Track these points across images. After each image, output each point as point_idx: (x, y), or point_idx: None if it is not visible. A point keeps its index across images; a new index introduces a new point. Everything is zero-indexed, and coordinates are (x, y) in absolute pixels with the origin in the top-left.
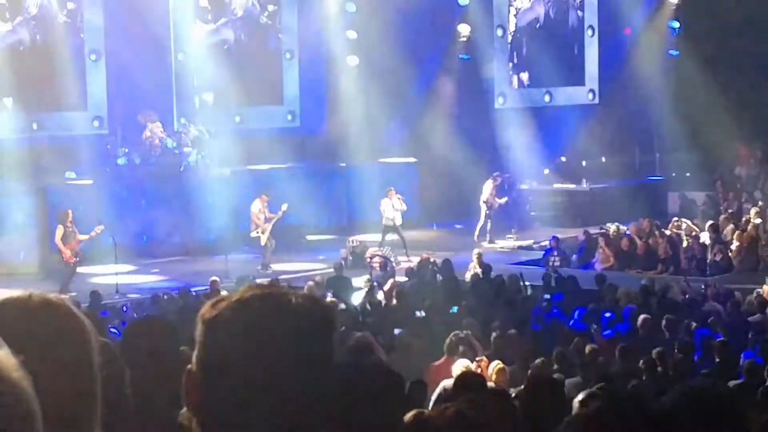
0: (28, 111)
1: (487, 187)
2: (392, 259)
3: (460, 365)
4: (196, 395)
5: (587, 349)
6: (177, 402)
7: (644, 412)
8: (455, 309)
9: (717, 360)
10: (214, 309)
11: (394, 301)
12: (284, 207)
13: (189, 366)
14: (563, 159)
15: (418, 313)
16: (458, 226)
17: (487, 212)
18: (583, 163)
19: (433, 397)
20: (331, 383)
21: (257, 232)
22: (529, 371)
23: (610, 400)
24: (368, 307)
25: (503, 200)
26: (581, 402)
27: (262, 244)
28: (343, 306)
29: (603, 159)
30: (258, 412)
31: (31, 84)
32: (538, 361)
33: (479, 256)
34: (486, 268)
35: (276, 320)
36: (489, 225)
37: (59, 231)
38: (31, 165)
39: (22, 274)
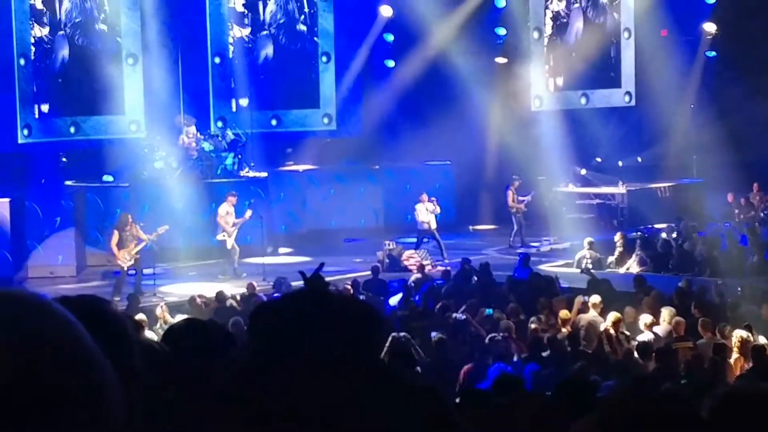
0: (66, 115)
1: (510, 193)
2: (429, 261)
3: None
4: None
5: (621, 351)
6: (219, 399)
7: (680, 415)
8: (490, 311)
9: (754, 362)
10: (264, 305)
11: (432, 304)
12: (248, 213)
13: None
14: (599, 159)
15: (456, 316)
16: (494, 227)
17: (516, 217)
18: (620, 163)
19: None
20: (370, 382)
21: (223, 236)
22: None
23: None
24: (405, 310)
25: (527, 198)
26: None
27: (228, 247)
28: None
29: (639, 159)
30: (298, 404)
31: (69, 88)
32: (579, 364)
33: (526, 259)
34: (529, 271)
35: (319, 317)
36: (522, 228)
37: (114, 236)
38: (69, 168)
39: (60, 277)
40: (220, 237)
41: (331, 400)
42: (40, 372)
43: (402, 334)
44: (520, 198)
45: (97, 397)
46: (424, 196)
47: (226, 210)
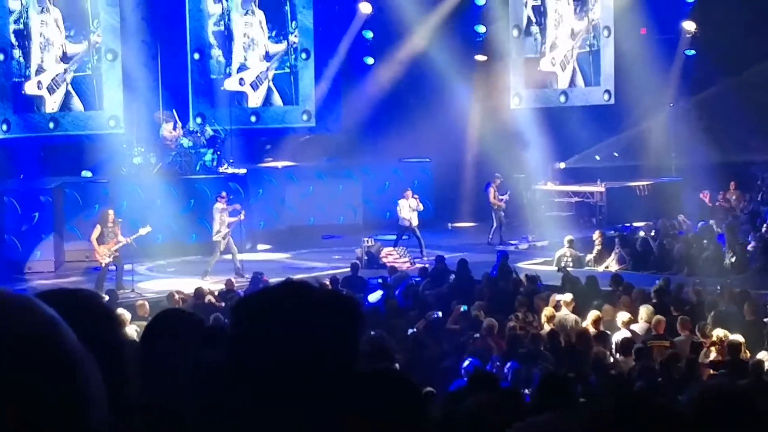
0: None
1: (491, 191)
2: (407, 259)
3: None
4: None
5: (596, 350)
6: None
7: (653, 412)
8: (465, 308)
9: (729, 359)
10: (247, 297)
11: (410, 302)
12: (242, 215)
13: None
14: (576, 157)
15: (435, 314)
16: (473, 224)
17: (497, 215)
18: (597, 157)
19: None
20: (347, 372)
21: (220, 236)
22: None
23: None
24: (384, 307)
25: (505, 196)
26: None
27: (221, 249)
28: None
29: (615, 154)
30: (277, 396)
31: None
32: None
33: (505, 258)
34: (507, 269)
35: (302, 308)
36: (501, 226)
37: (96, 231)
38: (48, 164)
39: (38, 272)
40: (216, 237)
41: (312, 393)
42: (18, 375)
43: (378, 332)
44: (500, 196)
45: (79, 399)
46: (409, 192)
47: (220, 208)
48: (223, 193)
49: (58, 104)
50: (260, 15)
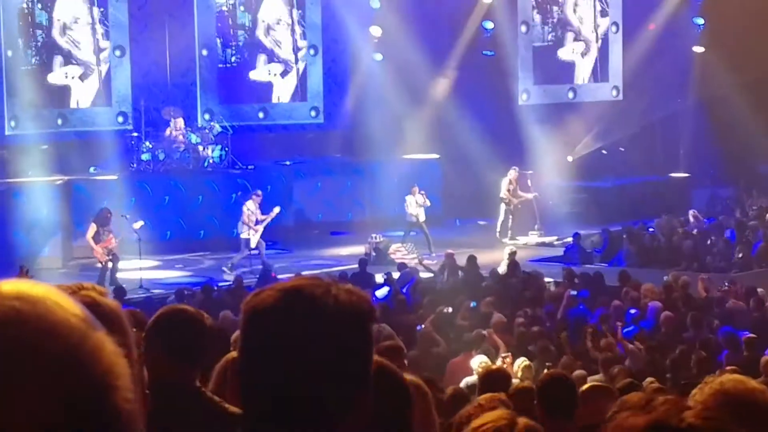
0: (53, 106)
1: (504, 184)
2: (415, 255)
3: (478, 361)
4: (237, 381)
5: (603, 344)
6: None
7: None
8: (474, 304)
9: (743, 357)
10: (257, 297)
11: (418, 297)
12: (276, 210)
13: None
14: (582, 144)
15: (445, 310)
16: (481, 222)
17: (506, 209)
18: (604, 151)
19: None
20: (364, 377)
21: (248, 233)
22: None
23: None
24: (392, 303)
25: (532, 195)
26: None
27: (252, 246)
28: None
29: (621, 149)
30: (292, 400)
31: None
32: (564, 358)
33: (512, 254)
34: (516, 265)
35: (316, 310)
36: (510, 221)
37: (92, 229)
38: (56, 160)
39: (46, 269)
40: (244, 235)
41: (327, 394)
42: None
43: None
44: (520, 193)
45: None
46: (415, 189)
47: (249, 208)
48: (258, 192)
49: (61, 98)
50: (266, 9)
